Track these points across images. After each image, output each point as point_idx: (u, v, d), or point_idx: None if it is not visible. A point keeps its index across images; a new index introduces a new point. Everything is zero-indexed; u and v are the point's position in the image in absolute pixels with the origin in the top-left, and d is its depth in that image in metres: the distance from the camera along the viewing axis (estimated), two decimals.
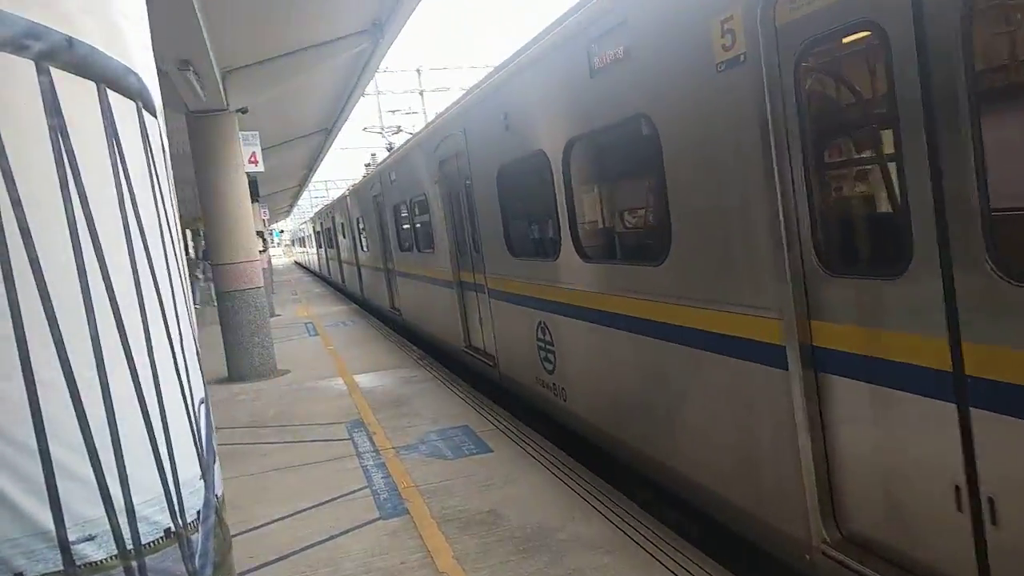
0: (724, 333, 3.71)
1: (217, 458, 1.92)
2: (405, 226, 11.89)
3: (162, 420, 1.57)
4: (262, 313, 9.96)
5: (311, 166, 28.16)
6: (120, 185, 1.53)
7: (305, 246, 47.47)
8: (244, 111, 10.55)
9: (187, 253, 27.27)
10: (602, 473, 5.29)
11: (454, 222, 8.75)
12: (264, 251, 18.85)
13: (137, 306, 1.55)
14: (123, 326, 1.50)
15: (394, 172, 12.00)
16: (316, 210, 37.10)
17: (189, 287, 1.85)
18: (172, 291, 1.68)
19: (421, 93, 31.55)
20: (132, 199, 1.57)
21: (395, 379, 9.04)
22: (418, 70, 31.43)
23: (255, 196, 18.99)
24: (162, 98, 1.96)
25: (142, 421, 1.53)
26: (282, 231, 75.76)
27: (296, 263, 61.13)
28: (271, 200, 37.19)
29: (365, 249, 17.09)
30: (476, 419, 6.85)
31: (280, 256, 75.70)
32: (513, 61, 6.19)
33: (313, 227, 35.85)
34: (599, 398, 5.33)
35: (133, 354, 1.52)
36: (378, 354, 11.03)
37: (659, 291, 4.24)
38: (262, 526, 4.82)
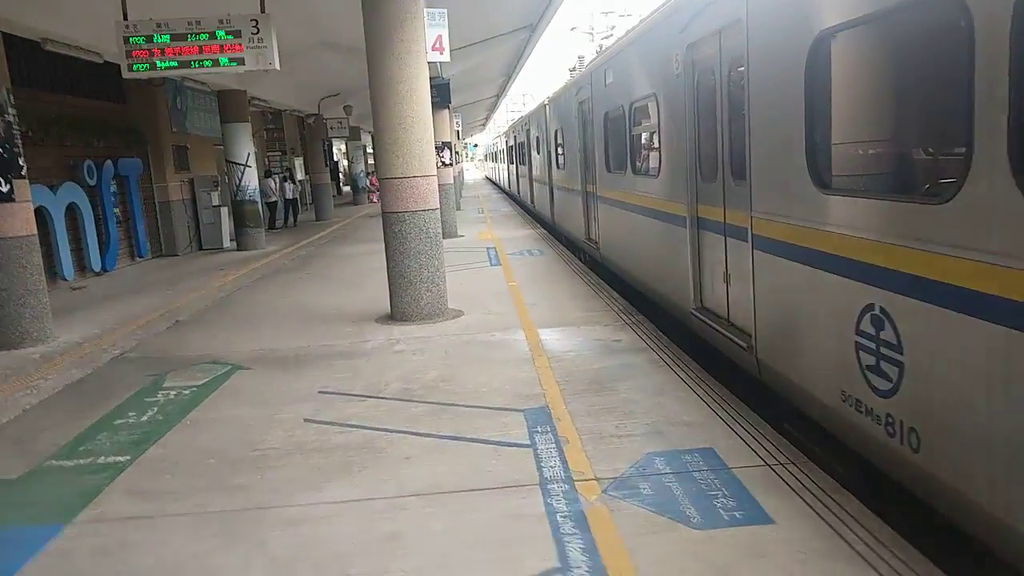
0: None
1: None
2: (617, 140, 9.35)
3: None
4: (434, 241, 7.86)
5: (510, 73, 26.14)
6: None
7: (496, 161, 45.99)
8: None
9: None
10: None
11: (700, 133, 6.12)
12: (450, 165, 17.09)
13: None
14: None
15: (610, 70, 9.41)
16: (510, 124, 35.22)
17: None
18: None
19: None
20: None
21: (592, 342, 6.74)
22: None
23: (446, 102, 17.14)
24: None
25: None
26: (476, 145, 75.32)
27: (487, 178, 60.29)
28: (465, 111, 35.81)
29: (560, 167, 14.76)
30: (724, 436, 4.37)
31: (472, 171, 75.38)
32: None
33: (505, 141, 34.01)
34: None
35: None
36: (569, 300, 8.76)
37: None
38: None
